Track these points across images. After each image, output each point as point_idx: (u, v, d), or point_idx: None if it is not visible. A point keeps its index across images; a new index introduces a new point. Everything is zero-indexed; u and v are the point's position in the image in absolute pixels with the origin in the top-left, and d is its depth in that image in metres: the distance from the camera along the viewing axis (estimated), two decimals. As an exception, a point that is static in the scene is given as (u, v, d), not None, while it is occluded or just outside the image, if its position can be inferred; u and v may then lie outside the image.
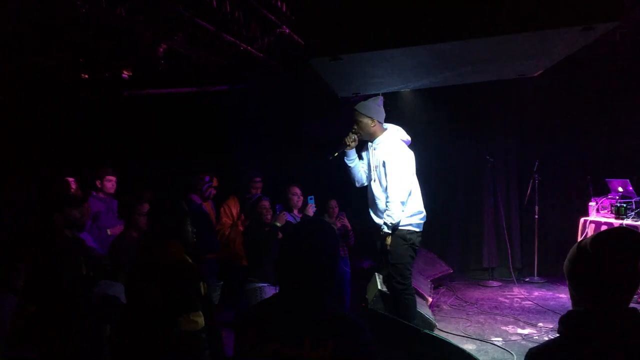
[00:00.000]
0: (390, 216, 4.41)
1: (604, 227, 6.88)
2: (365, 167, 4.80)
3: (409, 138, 4.65)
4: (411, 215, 4.50)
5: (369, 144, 4.69)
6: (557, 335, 1.75)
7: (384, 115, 4.58)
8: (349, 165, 4.78)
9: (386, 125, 4.62)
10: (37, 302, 3.45)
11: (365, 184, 4.84)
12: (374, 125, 4.53)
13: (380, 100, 4.54)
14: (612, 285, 1.68)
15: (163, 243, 2.77)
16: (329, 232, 1.95)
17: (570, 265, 1.78)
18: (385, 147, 4.51)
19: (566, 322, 1.72)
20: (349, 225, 5.95)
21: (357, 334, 1.79)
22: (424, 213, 4.60)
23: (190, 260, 2.76)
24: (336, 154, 4.67)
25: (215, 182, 6.10)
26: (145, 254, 2.84)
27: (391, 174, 4.42)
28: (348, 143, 4.63)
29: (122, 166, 6.18)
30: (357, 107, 4.55)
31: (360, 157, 4.84)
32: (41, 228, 3.75)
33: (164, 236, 2.80)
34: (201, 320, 2.60)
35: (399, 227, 4.49)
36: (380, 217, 4.59)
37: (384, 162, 4.46)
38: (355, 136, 4.63)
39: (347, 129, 4.68)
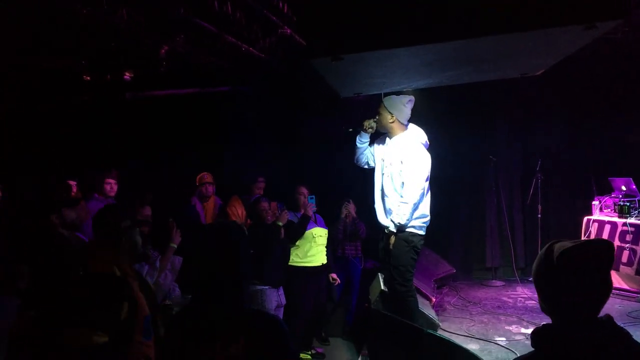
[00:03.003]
0: (400, 216, 4.39)
1: (607, 226, 6.88)
2: (372, 155, 4.81)
3: (427, 141, 4.62)
4: (416, 218, 4.47)
5: (388, 138, 4.67)
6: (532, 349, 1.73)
7: (407, 115, 4.54)
8: (359, 145, 4.82)
9: (409, 125, 4.60)
10: (36, 305, 3.45)
11: (364, 167, 4.88)
12: (392, 122, 4.51)
13: (408, 100, 4.50)
14: (579, 298, 1.65)
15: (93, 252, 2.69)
16: (234, 235, 2.02)
17: (537, 277, 1.77)
18: (405, 146, 4.47)
19: (537, 337, 1.71)
20: (353, 214, 6.04)
21: (268, 329, 1.85)
22: (429, 217, 4.57)
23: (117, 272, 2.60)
24: (351, 129, 4.79)
25: (208, 178, 6.12)
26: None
27: (409, 175, 4.40)
28: (365, 126, 4.68)
29: (124, 168, 6.19)
30: (383, 99, 4.55)
31: (371, 144, 4.85)
32: (38, 229, 3.76)
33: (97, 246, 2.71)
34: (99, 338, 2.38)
35: (404, 230, 4.48)
36: (386, 215, 4.56)
37: (401, 161, 4.42)
38: (374, 124, 4.65)
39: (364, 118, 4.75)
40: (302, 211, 5.40)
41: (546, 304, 1.75)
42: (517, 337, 5.15)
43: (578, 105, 7.68)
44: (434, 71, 4.06)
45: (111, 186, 5.82)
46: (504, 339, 5.13)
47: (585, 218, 7.22)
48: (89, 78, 6.09)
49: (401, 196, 4.44)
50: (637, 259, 6.39)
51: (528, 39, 3.12)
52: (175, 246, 4.03)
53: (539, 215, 7.71)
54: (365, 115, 4.77)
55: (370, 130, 4.69)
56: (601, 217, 7.06)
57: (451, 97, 7.29)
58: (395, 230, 4.45)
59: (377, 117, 4.61)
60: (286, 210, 5.31)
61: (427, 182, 4.53)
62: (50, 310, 2.51)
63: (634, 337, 1.64)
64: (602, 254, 1.69)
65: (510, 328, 5.49)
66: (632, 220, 6.60)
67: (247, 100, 7.53)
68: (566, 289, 1.68)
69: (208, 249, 1.96)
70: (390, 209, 4.54)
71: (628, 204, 6.76)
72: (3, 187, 5.11)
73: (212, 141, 7.63)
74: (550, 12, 2.81)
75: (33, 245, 3.68)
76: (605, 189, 7.29)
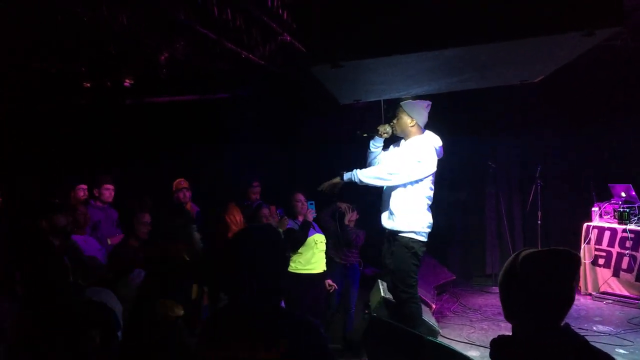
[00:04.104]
0: (361, 174, 4.40)
1: (607, 232, 6.87)
2: (386, 159, 4.78)
3: (442, 147, 4.61)
4: (416, 223, 4.42)
5: (403, 141, 4.67)
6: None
7: (425, 119, 4.57)
8: (372, 150, 4.81)
9: (425, 130, 4.61)
10: (28, 309, 3.45)
11: None
12: (412, 125, 4.53)
13: (427, 104, 4.54)
14: (538, 305, 1.66)
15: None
16: (273, 236, 2.01)
17: (501, 282, 1.77)
18: (419, 146, 4.47)
19: (496, 346, 1.71)
20: (352, 218, 5.96)
21: (308, 334, 1.82)
22: (431, 223, 4.51)
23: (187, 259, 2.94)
24: (365, 134, 4.76)
25: (185, 184, 6.10)
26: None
27: (403, 157, 4.42)
28: (380, 132, 4.68)
29: (123, 174, 6.20)
30: (402, 104, 4.56)
31: (385, 149, 4.84)
32: (28, 234, 3.76)
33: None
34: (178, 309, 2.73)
35: (402, 234, 4.44)
36: (390, 219, 4.53)
37: (419, 161, 4.41)
38: (390, 129, 4.65)
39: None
40: (301, 218, 5.35)
41: (507, 311, 1.76)
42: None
43: (578, 111, 7.69)
44: (433, 78, 4.05)
45: (110, 192, 5.83)
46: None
47: (585, 224, 7.21)
48: (89, 84, 6.11)
49: (404, 186, 4.43)
50: (637, 266, 6.39)
51: (527, 47, 3.12)
52: None
53: (539, 222, 7.70)
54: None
55: (385, 135, 4.69)
56: (601, 223, 7.06)
57: (451, 103, 7.31)
58: (344, 178, 4.45)
59: (394, 122, 4.62)
60: (286, 217, 5.29)
61: (430, 188, 4.50)
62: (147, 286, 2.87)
63: (635, 344, 1.63)
64: (564, 263, 1.69)
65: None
66: (632, 226, 6.60)
67: (246, 105, 7.54)
68: (525, 295, 1.68)
69: (249, 251, 1.93)
70: (393, 211, 4.51)
71: (628, 210, 6.76)
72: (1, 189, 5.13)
73: (209, 146, 7.64)
74: (549, 19, 2.81)
75: (21, 250, 3.69)
76: (605, 196, 7.29)
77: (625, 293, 6.48)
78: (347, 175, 4.47)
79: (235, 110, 7.60)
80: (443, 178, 7.63)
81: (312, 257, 5.27)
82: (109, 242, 5.23)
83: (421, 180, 4.41)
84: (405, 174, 4.37)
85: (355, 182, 4.44)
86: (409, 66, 3.53)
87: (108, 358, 3.96)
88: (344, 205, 6.00)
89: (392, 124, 4.64)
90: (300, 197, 5.46)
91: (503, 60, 3.48)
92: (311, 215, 5.39)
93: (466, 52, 3.16)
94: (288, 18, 5.16)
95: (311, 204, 5.45)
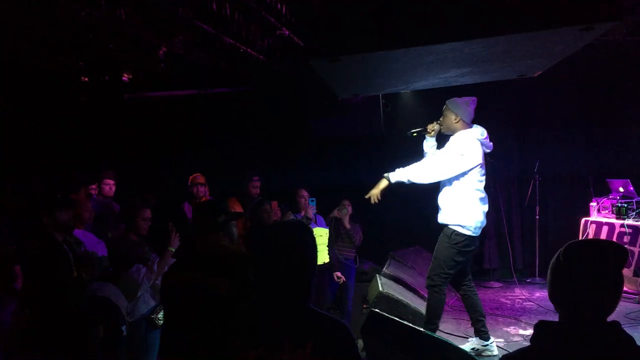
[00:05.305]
0: (406, 173, 4.42)
1: (605, 228, 6.89)
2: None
3: (486, 137, 4.65)
4: (462, 216, 4.45)
5: (451, 137, 4.70)
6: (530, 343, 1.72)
7: (471, 115, 4.60)
8: (426, 150, 4.90)
9: (473, 125, 4.64)
10: (30, 306, 3.46)
11: None
12: (457, 122, 4.57)
13: (471, 101, 4.58)
14: (583, 296, 1.64)
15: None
16: (306, 234, 1.95)
17: (549, 271, 1.76)
18: (455, 137, 4.51)
19: (538, 332, 1.69)
20: (347, 225, 6.02)
21: (336, 334, 1.79)
22: (481, 216, 4.51)
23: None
24: (415, 133, 4.87)
25: (201, 179, 6.09)
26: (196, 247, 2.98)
27: (446, 152, 4.45)
28: (428, 130, 4.80)
29: (123, 169, 6.20)
30: (447, 101, 4.63)
31: (439, 147, 4.87)
32: (30, 230, 3.76)
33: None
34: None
35: (448, 227, 4.50)
36: (440, 213, 4.59)
37: (462, 154, 4.44)
38: (438, 126, 4.74)
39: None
40: (303, 213, 5.55)
41: (553, 300, 1.75)
42: (515, 339, 5.16)
43: (576, 106, 7.69)
44: (432, 73, 4.07)
45: (110, 187, 5.84)
46: (501, 340, 5.13)
47: (583, 219, 7.23)
48: (87, 79, 6.10)
49: (450, 184, 4.48)
50: (635, 260, 6.40)
51: (526, 41, 3.12)
52: (174, 250, 4.04)
53: (537, 217, 7.72)
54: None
55: (433, 132, 4.79)
56: (599, 218, 7.07)
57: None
58: (390, 179, 4.48)
59: (440, 120, 4.69)
60: (290, 212, 5.42)
61: (479, 180, 4.52)
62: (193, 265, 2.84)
63: (634, 338, 1.63)
64: (609, 254, 1.67)
65: (508, 329, 5.49)
66: (630, 221, 6.61)
67: (246, 101, 7.53)
68: (570, 285, 1.67)
69: (281, 247, 1.87)
70: (440, 205, 4.59)
71: (626, 205, 6.76)
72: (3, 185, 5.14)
73: (210, 142, 7.64)
74: (548, 13, 2.82)
75: (23, 245, 3.70)
76: (603, 191, 7.30)
77: (623, 288, 6.51)
78: (393, 177, 4.49)
79: (237, 109, 7.60)
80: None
81: None
82: (110, 235, 5.25)
83: (466, 173, 4.44)
84: (450, 167, 4.40)
85: (404, 182, 4.47)
86: (407, 61, 3.53)
87: (112, 353, 3.98)
88: (335, 212, 6.09)
89: (439, 121, 4.72)
90: (304, 192, 5.67)
91: (501, 54, 3.49)
92: (311, 211, 5.58)
93: (464, 47, 3.17)
94: (287, 12, 5.16)
95: (312, 201, 5.64)
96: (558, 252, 1.75)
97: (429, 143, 4.88)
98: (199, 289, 2.74)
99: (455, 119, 4.56)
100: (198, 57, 5.45)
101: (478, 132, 4.56)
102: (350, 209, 6.12)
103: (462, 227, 4.46)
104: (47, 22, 4.32)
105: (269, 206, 5.07)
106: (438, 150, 4.79)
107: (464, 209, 4.45)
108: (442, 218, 4.59)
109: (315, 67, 3.59)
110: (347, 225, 6.02)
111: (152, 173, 7.34)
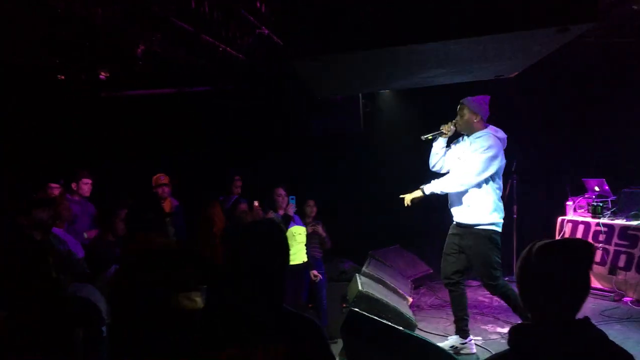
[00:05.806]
0: (442, 185, 4.49)
1: (581, 226, 6.99)
2: (448, 157, 4.87)
3: (505, 137, 4.69)
4: (494, 215, 4.59)
5: (465, 137, 4.74)
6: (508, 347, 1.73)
7: (487, 113, 4.65)
8: (437, 151, 4.90)
9: (488, 125, 4.67)
10: (8, 307, 3.40)
11: (439, 170, 4.95)
12: (477, 121, 4.61)
13: (487, 99, 4.62)
14: (553, 295, 1.66)
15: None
16: (276, 233, 1.93)
17: (517, 273, 1.78)
18: (482, 140, 4.54)
19: (514, 335, 1.71)
20: (322, 233, 6.00)
21: (310, 334, 1.78)
22: (503, 214, 4.67)
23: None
24: (430, 136, 4.85)
25: (164, 180, 6.05)
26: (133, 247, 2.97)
27: (474, 155, 4.48)
28: (444, 131, 4.78)
29: (99, 168, 6.12)
30: (464, 101, 4.64)
31: (448, 146, 4.92)
32: (8, 229, 3.70)
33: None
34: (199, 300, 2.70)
35: (485, 227, 4.57)
36: (468, 213, 4.64)
37: (474, 149, 4.49)
38: (453, 127, 4.75)
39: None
40: (281, 211, 5.52)
41: (524, 302, 1.76)
42: (493, 337, 5.21)
43: (552, 106, 7.78)
44: (410, 73, 4.08)
45: (89, 186, 5.77)
46: (479, 338, 5.18)
47: (560, 218, 7.32)
48: (63, 77, 6.01)
49: (458, 175, 4.51)
50: (609, 259, 6.51)
51: (501, 42, 3.15)
52: None
53: (514, 216, 7.78)
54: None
55: (449, 132, 4.79)
56: (575, 217, 7.17)
57: (425, 98, 7.34)
58: (426, 192, 4.54)
59: (456, 119, 4.70)
60: (271, 211, 5.41)
61: (500, 178, 4.66)
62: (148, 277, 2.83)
63: (608, 336, 1.65)
64: (578, 252, 1.69)
65: (486, 327, 5.54)
66: (605, 220, 6.71)
67: (225, 100, 7.49)
68: (540, 286, 1.68)
69: (252, 246, 1.85)
70: (470, 205, 4.63)
71: (601, 204, 6.87)
72: None
73: (190, 142, 7.58)
74: (523, 14, 2.84)
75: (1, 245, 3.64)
76: (579, 190, 7.40)
77: (598, 286, 6.60)
78: (428, 189, 4.55)
79: (213, 108, 7.55)
80: (417, 172, 7.71)
81: (292, 249, 5.30)
82: (86, 236, 5.17)
83: (495, 173, 4.53)
84: (486, 171, 4.47)
85: (437, 194, 4.56)
86: (385, 61, 3.54)
87: (93, 354, 3.92)
88: (309, 229, 6.04)
89: (455, 121, 4.72)
90: (281, 191, 5.63)
91: (478, 55, 3.51)
92: (292, 209, 5.58)
93: (441, 47, 3.19)
94: (266, 11, 5.14)
95: (292, 198, 5.63)
96: (523, 255, 1.77)
97: (440, 144, 4.88)
98: (139, 289, 2.74)
99: (475, 119, 4.60)
100: (177, 56, 5.41)
101: (500, 133, 4.63)
102: (315, 209, 6.15)
103: (496, 225, 4.61)
104: (22, 17, 4.25)
105: (245, 205, 5.07)
106: (450, 151, 4.84)
107: (494, 209, 4.58)
108: (471, 219, 4.62)
109: (295, 67, 3.58)
110: (323, 234, 6.03)
111: (129, 173, 7.26)
